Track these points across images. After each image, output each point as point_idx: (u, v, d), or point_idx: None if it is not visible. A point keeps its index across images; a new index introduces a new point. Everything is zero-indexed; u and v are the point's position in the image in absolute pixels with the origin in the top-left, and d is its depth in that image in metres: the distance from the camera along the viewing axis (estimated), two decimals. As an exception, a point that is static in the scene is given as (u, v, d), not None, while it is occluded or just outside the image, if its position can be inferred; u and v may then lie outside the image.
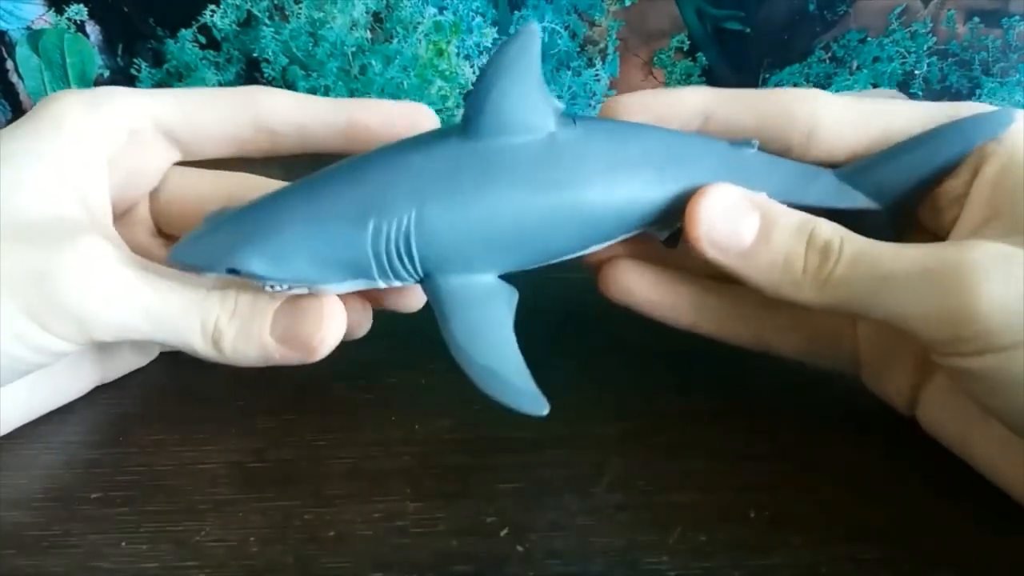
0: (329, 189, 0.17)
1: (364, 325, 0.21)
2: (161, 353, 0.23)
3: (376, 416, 0.21)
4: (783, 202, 0.18)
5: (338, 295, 0.18)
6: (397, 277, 0.18)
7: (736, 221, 0.17)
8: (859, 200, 0.19)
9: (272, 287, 0.18)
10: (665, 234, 0.19)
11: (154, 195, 0.22)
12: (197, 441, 0.20)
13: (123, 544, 0.17)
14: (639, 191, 0.18)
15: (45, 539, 0.17)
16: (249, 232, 0.17)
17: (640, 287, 0.20)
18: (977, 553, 0.17)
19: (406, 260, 0.17)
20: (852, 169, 0.19)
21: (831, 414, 0.21)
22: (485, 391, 0.17)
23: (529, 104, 0.17)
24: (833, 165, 0.19)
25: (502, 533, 0.17)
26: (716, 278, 0.20)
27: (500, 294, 0.18)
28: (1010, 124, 0.18)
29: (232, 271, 0.17)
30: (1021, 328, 0.15)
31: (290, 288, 0.18)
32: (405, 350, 0.22)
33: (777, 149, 0.19)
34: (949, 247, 0.16)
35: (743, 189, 0.18)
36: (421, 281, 0.18)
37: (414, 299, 0.21)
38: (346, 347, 0.20)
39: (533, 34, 0.17)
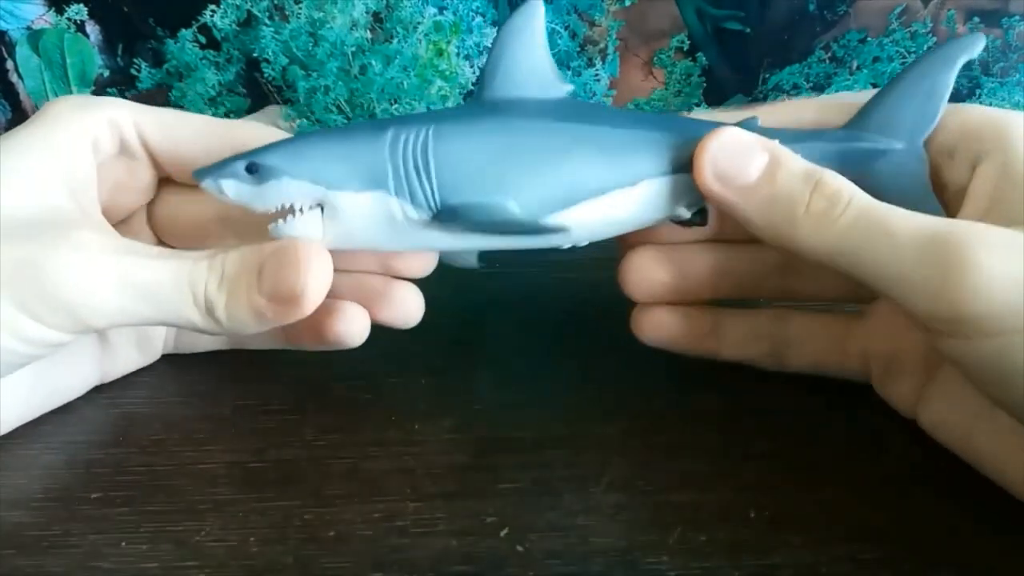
0: (354, 123, 0.19)
1: (363, 332, 0.20)
2: (161, 353, 0.23)
3: (376, 416, 0.21)
4: (796, 149, 0.18)
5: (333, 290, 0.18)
6: (413, 199, 0.17)
7: (744, 157, 0.18)
8: (871, 141, 0.19)
9: (283, 220, 0.17)
10: (688, 213, 0.19)
11: (151, 210, 0.22)
12: (197, 441, 0.20)
13: (123, 544, 0.17)
14: (651, 135, 0.19)
15: (45, 539, 0.17)
16: (269, 144, 0.18)
17: (669, 323, 0.21)
18: (977, 553, 0.17)
19: (423, 174, 0.17)
20: (854, 120, 0.19)
21: (831, 414, 0.21)
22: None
23: (540, 70, 0.19)
24: None
25: (502, 533, 0.17)
26: (732, 305, 0.21)
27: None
28: (981, 45, 0.19)
29: (250, 169, 0.17)
30: (1020, 312, 0.15)
31: (301, 213, 0.17)
32: (405, 351, 0.22)
33: None
34: (959, 222, 0.16)
35: (756, 135, 0.18)
36: (438, 215, 0.18)
37: (412, 311, 0.21)
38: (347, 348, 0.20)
39: (536, 5, 0.18)
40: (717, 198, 0.18)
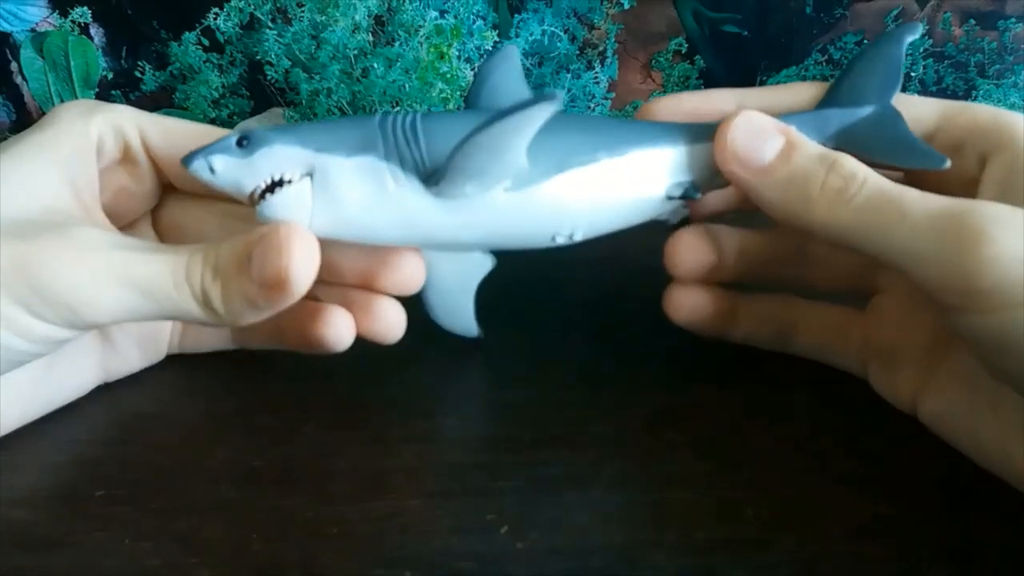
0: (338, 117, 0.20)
1: (348, 336, 0.20)
2: (167, 354, 0.24)
3: (377, 414, 0.21)
4: None
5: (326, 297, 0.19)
6: (403, 164, 0.17)
7: (761, 139, 0.18)
8: (841, 110, 0.20)
9: (270, 193, 0.17)
10: (680, 190, 0.20)
11: (157, 216, 0.22)
12: (200, 440, 0.20)
13: (127, 542, 0.17)
14: (633, 121, 0.20)
15: (49, 537, 0.17)
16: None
17: (702, 303, 0.22)
18: (977, 551, 0.17)
19: (412, 143, 0.18)
20: (823, 100, 0.20)
21: (831, 412, 0.21)
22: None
23: (523, 91, 0.20)
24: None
25: (502, 531, 0.17)
26: (743, 287, 0.22)
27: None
28: (919, 31, 0.20)
29: (241, 141, 0.17)
30: None
31: (290, 184, 0.17)
32: (406, 350, 0.22)
33: None
34: (973, 200, 0.16)
35: (773, 119, 0.19)
36: (430, 178, 0.18)
37: (394, 325, 0.21)
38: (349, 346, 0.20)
39: (511, 48, 0.20)
40: (737, 178, 0.19)
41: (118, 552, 0.17)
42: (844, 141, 0.19)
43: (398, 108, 0.36)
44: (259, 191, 0.18)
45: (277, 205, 0.18)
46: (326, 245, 0.18)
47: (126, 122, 0.20)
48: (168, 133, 0.20)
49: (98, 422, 0.21)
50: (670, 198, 0.20)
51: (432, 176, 0.18)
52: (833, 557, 0.17)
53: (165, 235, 0.22)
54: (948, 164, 0.18)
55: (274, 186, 0.18)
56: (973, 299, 0.16)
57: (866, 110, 0.20)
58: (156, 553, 0.17)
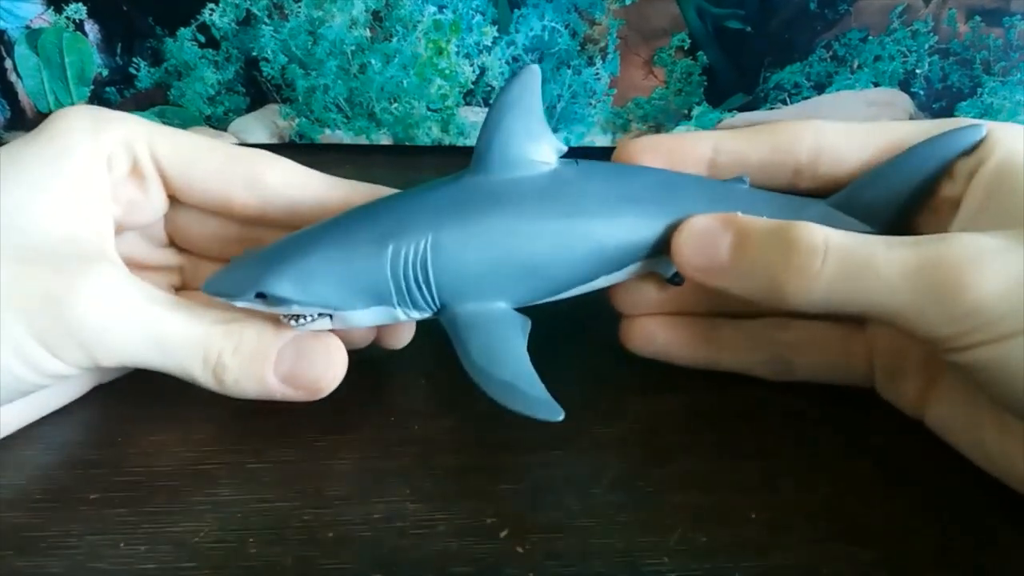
0: (352, 223, 0.18)
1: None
2: None
3: (376, 417, 0.21)
4: None
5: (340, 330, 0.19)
6: (415, 306, 0.18)
7: (711, 241, 0.18)
8: (851, 225, 0.20)
9: (294, 320, 0.18)
10: (670, 272, 0.20)
11: (167, 216, 0.22)
12: (196, 442, 0.20)
13: (122, 545, 0.17)
14: (639, 222, 0.19)
15: (44, 540, 0.17)
16: (276, 260, 0.18)
17: (661, 334, 0.22)
18: (976, 554, 0.17)
19: (423, 287, 0.18)
20: (842, 196, 0.20)
21: (831, 415, 0.21)
22: (504, 404, 0.17)
23: (534, 141, 0.19)
24: (839, 187, 0.20)
25: (502, 534, 0.17)
26: (727, 315, 0.22)
27: (513, 319, 0.19)
28: (980, 137, 0.19)
29: (260, 296, 0.18)
30: (1020, 315, 0.15)
31: (312, 320, 0.18)
32: (405, 351, 0.22)
33: (784, 176, 0.20)
34: (939, 241, 0.16)
35: (717, 213, 0.18)
36: (438, 312, 0.19)
37: (403, 335, 0.21)
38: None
39: (534, 73, 0.19)
40: (704, 284, 0.18)
41: (113, 555, 0.17)
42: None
43: (396, 103, 0.36)
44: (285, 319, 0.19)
45: (300, 328, 0.19)
46: None
47: (137, 138, 0.20)
48: (181, 152, 0.20)
49: (92, 424, 0.21)
50: (663, 277, 0.21)
51: (441, 312, 0.19)
52: (834, 560, 0.17)
53: (176, 235, 0.22)
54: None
55: (297, 317, 0.19)
56: (961, 340, 0.16)
57: (873, 230, 0.19)
58: (151, 556, 0.17)
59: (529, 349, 0.18)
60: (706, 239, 0.18)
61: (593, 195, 0.19)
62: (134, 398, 0.22)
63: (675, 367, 0.22)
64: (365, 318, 0.19)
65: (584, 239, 0.19)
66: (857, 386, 0.21)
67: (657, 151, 0.20)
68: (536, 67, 0.19)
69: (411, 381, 0.22)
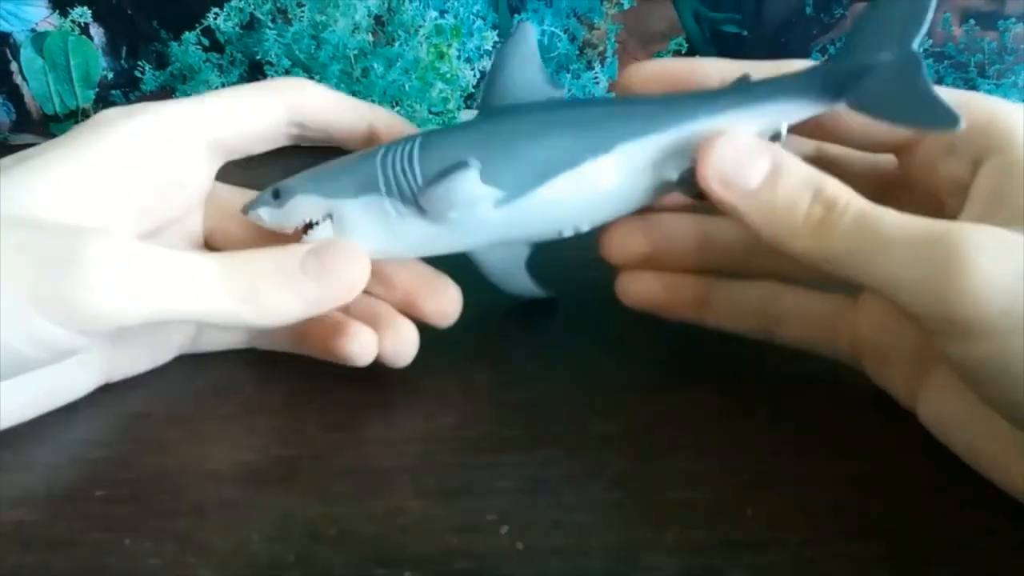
0: (355, 154, 0.21)
1: (371, 354, 0.21)
2: (178, 354, 0.23)
3: (378, 414, 0.21)
4: (791, 106, 0.18)
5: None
6: (401, 195, 0.19)
7: (747, 162, 0.18)
8: (851, 61, 0.18)
9: (303, 233, 0.20)
10: (676, 175, 0.19)
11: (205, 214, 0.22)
12: (200, 439, 0.20)
13: (127, 542, 0.17)
14: (623, 107, 0.20)
15: (49, 537, 0.17)
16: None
17: (653, 289, 0.22)
18: (977, 552, 0.17)
19: (408, 174, 0.19)
20: (842, 47, 0.19)
21: (831, 412, 0.21)
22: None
23: (536, 84, 0.20)
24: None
25: (502, 531, 0.18)
26: (721, 273, 0.22)
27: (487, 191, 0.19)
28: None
29: (275, 193, 0.20)
30: (1018, 314, 0.14)
31: (317, 225, 0.20)
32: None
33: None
34: (953, 224, 0.16)
35: (758, 138, 0.18)
36: (419, 205, 0.19)
37: (408, 348, 0.21)
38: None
39: (527, 29, 0.20)
40: (719, 200, 0.18)
41: (118, 552, 0.17)
42: (854, 99, 0.18)
43: (398, 107, 0.36)
44: (299, 230, 0.20)
45: (309, 240, 0.20)
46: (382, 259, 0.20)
47: (170, 119, 0.20)
48: (225, 111, 0.20)
49: (98, 422, 0.21)
50: (671, 182, 0.19)
51: (422, 207, 0.19)
52: (833, 557, 0.17)
53: (210, 238, 0.23)
54: (962, 125, 0.17)
55: (307, 227, 0.20)
56: (955, 328, 0.15)
57: (878, 59, 0.18)
58: (156, 553, 0.17)
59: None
60: (741, 158, 0.18)
61: (585, 99, 0.20)
62: (139, 396, 0.22)
63: (675, 366, 0.23)
64: (359, 213, 0.19)
65: (564, 120, 0.19)
66: (845, 363, 0.21)
67: (664, 79, 0.20)
68: (529, 23, 0.20)
69: (413, 379, 0.23)
